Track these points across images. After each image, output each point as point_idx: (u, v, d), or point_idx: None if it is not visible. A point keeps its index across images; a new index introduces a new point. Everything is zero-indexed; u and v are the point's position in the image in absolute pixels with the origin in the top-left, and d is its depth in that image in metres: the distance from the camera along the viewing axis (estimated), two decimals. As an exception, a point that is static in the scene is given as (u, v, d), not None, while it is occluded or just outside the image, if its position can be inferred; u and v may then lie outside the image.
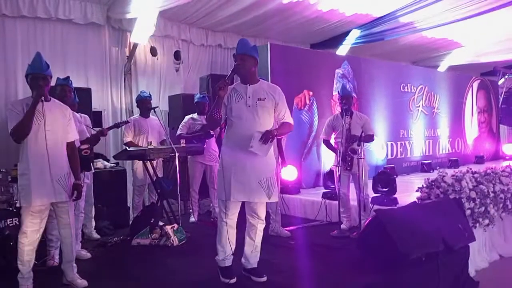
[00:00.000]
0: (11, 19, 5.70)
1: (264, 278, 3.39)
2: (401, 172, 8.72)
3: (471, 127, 11.27)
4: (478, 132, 11.55)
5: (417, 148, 9.48)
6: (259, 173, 3.30)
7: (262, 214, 3.45)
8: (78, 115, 4.61)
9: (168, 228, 4.57)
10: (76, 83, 5.24)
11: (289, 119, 3.49)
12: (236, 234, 3.45)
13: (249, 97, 3.31)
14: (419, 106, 9.52)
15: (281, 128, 3.44)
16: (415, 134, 9.41)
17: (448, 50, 10.88)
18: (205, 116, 5.65)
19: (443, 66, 11.51)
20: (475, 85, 11.38)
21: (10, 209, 3.86)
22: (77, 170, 3.43)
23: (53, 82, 3.54)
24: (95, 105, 6.35)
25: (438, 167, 8.94)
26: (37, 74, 3.25)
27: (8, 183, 4.05)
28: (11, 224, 3.69)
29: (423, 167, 9.23)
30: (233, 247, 3.41)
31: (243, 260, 3.48)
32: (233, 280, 3.35)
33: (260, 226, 3.45)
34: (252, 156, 3.23)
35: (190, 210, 5.82)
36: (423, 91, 9.61)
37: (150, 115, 5.40)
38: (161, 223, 4.74)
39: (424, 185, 4.69)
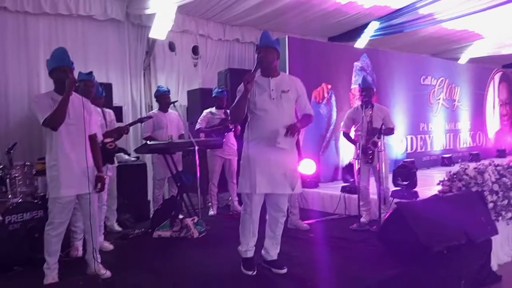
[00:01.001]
0: (33, 16, 5.80)
1: (285, 270, 3.40)
2: (421, 166, 8.60)
3: (493, 120, 11.07)
4: (500, 125, 11.35)
5: (438, 142, 9.35)
6: (284, 165, 3.33)
7: (284, 207, 3.48)
8: (105, 110, 4.70)
9: (188, 220, 4.61)
10: (97, 78, 5.29)
11: (310, 110, 3.49)
12: None
13: (272, 90, 3.30)
14: (439, 99, 9.38)
15: (303, 120, 3.45)
16: (435, 127, 9.28)
17: (468, 42, 10.67)
18: (223, 110, 5.70)
19: (463, 58, 11.30)
20: (497, 77, 11.16)
21: (35, 201, 3.95)
22: (99, 163, 3.48)
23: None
24: (116, 100, 6.43)
25: (459, 161, 8.81)
26: (65, 67, 3.30)
27: (32, 176, 4.14)
28: (36, 216, 3.76)
29: (444, 161, 9.11)
30: (255, 238, 3.45)
31: (263, 252, 3.50)
32: (254, 272, 3.37)
33: (282, 218, 3.48)
34: (277, 148, 3.25)
35: (209, 204, 5.86)
36: (444, 84, 9.47)
37: (169, 110, 5.44)
38: (181, 216, 4.79)
39: (446, 178, 4.64)
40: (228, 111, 3.41)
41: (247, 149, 3.34)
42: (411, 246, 3.53)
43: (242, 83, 3.22)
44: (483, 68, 10.95)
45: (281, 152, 3.29)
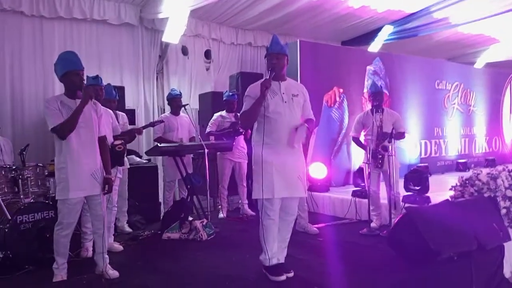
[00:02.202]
0: (49, 20, 5.94)
1: (291, 274, 3.38)
2: (435, 171, 8.51)
3: (509, 125, 10.87)
4: (518, 131, 11.14)
5: (452, 147, 9.22)
6: (298, 168, 3.39)
7: (296, 210, 3.51)
8: (118, 113, 4.77)
9: (198, 223, 4.63)
10: (111, 81, 5.41)
11: (312, 116, 3.56)
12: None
13: (283, 93, 3.35)
14: (454, 104, 9.26)
15: (309, 124, 3.46)
16: (450, 132, 9.15)
17: (485, 46, 10.55)
18: (233, 114, 5.72)
19: (479, 63, 11.15)
20: (514, 82, 10.97)
21: (46, 202, 4.01)
22: (107, 165, 3.53)
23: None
24: (129, 103, 6.53)
25: (471, 166, 8.67)
26: (78, 70, 3.35)
27: (44, 177, 4.20)
28: (47, 217, 3.82)
29: (459, 166, 8.97)
30: (276, 244, 3.41)
31: None
32: (283, 278, 3.31)
33: (292, 221, 3.51)
34: (291, 152, 3.32)
35: (219, 206, 5.88)
36: (459, 88, 9.34)
37: (181, 113, 5.48)
38: (190, 218, 4.81)
39: (458, 184, 4.56)
40: (239, 115, 3.39)
41: (261, 154, 3.31)
42: (421, 251, 3.48)
43: (249, 88, 3.32)
44: (499, 72, 10.76)
45: (295, 155, 3.36)
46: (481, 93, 9.93)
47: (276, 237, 3.37)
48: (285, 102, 3.34)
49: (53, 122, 3.25)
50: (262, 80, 3.31)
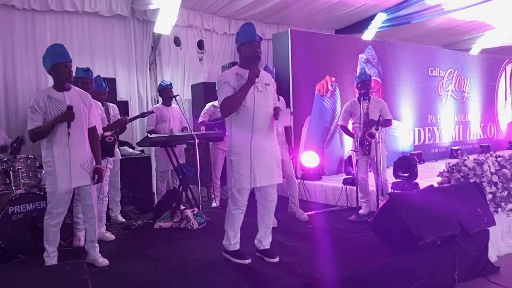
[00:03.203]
0: (40, 13, 5.95)
1: (277, 259, 3.46)
2: (429, 159, 8.59)
3: (504, 112, 10.91)
4: (512, 117, 11.18)
5: (447, 134, 9.28)
6: (276, 156, 3.48)
7: (275, 196, 3.56)
8: (108, 104, 4.82)
9: (189, 212, 4.71)
10: (104, 74, 5.45)
11: (278, 104, 3.60)
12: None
13: (257, 83, 3.35)
14: (448, 91, 9.29)
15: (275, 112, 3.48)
16: (444, 119, 9.20)
17: (479, 33, 10.51)
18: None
19: (475, 49, 11.13)
20: (509, 68, 10.98)
21: (38, 193, 4.08)
22: (98, 155, 3.59)
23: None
24: (122, 95, 6.57)
25: (465, 153, 8.70)
26: (65, 62, 3.39)
27: (36, 168, 4.27)
28: (39, 207, 3.90)
29: (453, 153, 9.03)
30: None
31: (256, 242, 3.57)
32: (249, 261, 3.43)
33: (273, 207, 3.57)
34: (269, 140, 3.39)
35: (213, 196, 5.95)
36: (453, 75, 9.37)
37: (172, 104, 5.53)
38: (182, 207, 4.89)
39: (445, 170, 4.63)
40: (220, 102, 3.39)
41: (239, 144, 3.35)
42: (404, 236, 3.55)
43: (223, 75, 3.40)
44: (494, 59, 10.78)
45: (272, 142, 3.42)
46: (475, 80, 9.95)
47: (240, 224, 3.46)
48: (260, 91, 3.37)
49: (29, 125, 3.35)
50: (252, 68, 3.27)
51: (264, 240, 3.53)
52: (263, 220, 3.53)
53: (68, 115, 3.33)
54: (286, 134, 4.81)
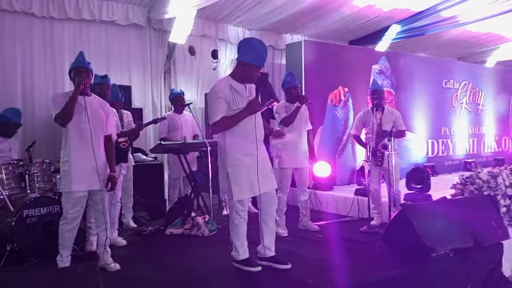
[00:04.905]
0: (58, 21, 6.08)
1: (289, 266, 3.47)
2: (443, 171, 8.49)
3: (520, 125, 10.76)
4: (528, 131, 11.01)
5: (460, 146, 9.18)
6: (268, 162, 3.61)
7: (276, 198, 3.69)
8: (122, 111, 4.89)
9: (200, 219, 4.73)
10: (119, 81, 5.54)
11: None
12: None
13: (247, 96, 3.44)
14: (462, 103, 9.22)
15: None
16: (458, 131, 9.11)
17: (495, 45, 10.43)
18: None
19: (490, 62, 11.03)
20: (525, 81, 10.84)
21: (52, 197, 4.14)
22: (112, 162, 3.65)
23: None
24: (137, 102, 6.66)
25: (477, 166, 8.60)
26: (80, 67, 3.51)
27: (51, 173, 4.34)
28: (53, 211, 3.95)
29: (466, 166, 8.91)
30: None
31: (261, 250, 3.58)
32: (259, 268, 3.45)
33: (274, 210, 3.66)
34: (261, 148, 3.48)
35: (224, 204, 5.96)
36: (467, 88, 9.29)
37: (184, 111, 5.59)
38: (193, 214, 4.92)
39: (459, 182, 4.59)
40: (214, 120, 3.36)
41: (236, 155, 3.39)
42: (416, 247, 3.51)
43: (216, 89, 3.40)
44: (509, 71, 10.66)
45: (263, 150, 3.51)
46: (490, 92, 9.85)
47: (245, 233, 3.52)
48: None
49: (55, 111, 3.40)
50: (252, 100, 3.37)
51: (272, 245, 3.56)
52: (267, 225, 3.56)
53: (78, 81, 3.39)
54: (308, 138, 4.81)
